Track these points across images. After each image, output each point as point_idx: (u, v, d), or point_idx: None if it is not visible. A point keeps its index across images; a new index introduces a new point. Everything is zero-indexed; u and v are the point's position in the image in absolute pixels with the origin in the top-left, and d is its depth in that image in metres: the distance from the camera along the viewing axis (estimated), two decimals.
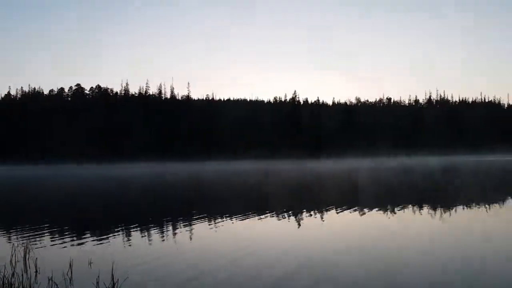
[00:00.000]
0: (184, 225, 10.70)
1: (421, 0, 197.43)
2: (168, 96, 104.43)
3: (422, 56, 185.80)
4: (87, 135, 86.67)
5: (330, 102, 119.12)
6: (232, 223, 11.02)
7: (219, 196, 20.14)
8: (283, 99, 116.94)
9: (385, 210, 12.79)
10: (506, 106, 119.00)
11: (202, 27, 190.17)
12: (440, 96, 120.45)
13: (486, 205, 13.50)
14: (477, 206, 13.48)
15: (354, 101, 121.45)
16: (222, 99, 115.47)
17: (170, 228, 10.63)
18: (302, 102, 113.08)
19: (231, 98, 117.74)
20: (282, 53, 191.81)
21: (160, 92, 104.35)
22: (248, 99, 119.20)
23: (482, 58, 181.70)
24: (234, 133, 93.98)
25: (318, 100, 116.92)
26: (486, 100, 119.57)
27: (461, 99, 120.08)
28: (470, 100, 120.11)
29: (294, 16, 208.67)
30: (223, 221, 11.31)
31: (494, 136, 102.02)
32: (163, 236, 9.45)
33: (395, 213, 12.18)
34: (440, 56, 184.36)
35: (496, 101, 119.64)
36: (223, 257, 6.89)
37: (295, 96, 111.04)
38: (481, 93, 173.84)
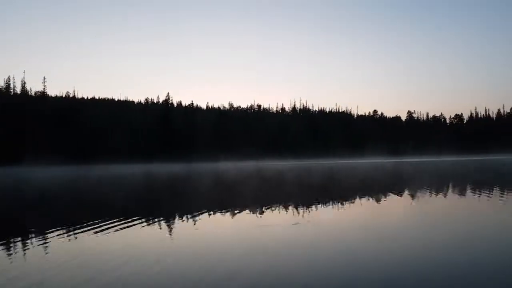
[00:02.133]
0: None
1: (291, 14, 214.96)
2: (18, 91, 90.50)
3: (289, 66, 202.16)
4: None
5: (204, 106, 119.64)
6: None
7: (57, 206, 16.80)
8: (155, 101, 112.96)
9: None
10: (355, 116, 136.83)
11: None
12: (303, 105, 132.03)
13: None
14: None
15: (227, 106, 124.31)
16: (86, 98, 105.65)
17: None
18: (175, 105, 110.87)
19: (96, 97, 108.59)
20: (156, 54, 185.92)
21: (8, 87, 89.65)
22: (116, 99, 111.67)
23: (335, 71, 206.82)
24: (97, 134, 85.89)
25: (192, 103, 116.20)
26: (340, 111, 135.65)
27: (320, 109, 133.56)
28: (328, 109, 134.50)
29: (167, 16, 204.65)
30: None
31: (346, 142, 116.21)
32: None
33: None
34: (303, 67, 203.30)
35: (348, 111, 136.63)
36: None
37: (168, 98, 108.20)
38: (336, 103, 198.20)
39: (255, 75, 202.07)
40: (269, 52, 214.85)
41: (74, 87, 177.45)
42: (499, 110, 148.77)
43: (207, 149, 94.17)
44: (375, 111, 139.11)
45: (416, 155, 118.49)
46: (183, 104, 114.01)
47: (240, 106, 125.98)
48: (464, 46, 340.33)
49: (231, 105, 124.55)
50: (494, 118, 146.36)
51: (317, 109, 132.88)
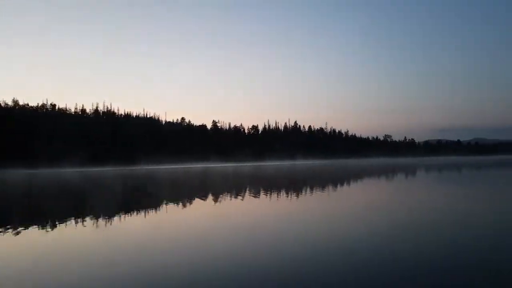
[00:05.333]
0: None
1: None
2: None
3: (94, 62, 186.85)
4: None
5: None
6: None
7: None
8: None
9: None
10: (164, 122, 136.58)
11: None
12: (107, 108, 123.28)
13: None
14: None
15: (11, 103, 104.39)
16: None
17: None
18: None
19: None
20: None
21: None
22: None
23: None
24: None
25: None
26: (148, 116, 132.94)
27: (126, 113, 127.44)
28: (135, 114, 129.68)
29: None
30: None
31: (153, 147, 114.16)
32: None
33: None
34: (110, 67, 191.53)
35: (156, 117, 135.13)
36: None
37: None
38: (144, 109, 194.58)
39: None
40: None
41: None
42: (285, 123, 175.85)
43: None
44: (183, 119, 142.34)
45: (220, 161, 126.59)
46: None
47: (28, 104, 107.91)
48: (257, 62, 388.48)
49: (15, 102, 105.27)
50: (282, 130, 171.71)
51: (122, 113, 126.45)
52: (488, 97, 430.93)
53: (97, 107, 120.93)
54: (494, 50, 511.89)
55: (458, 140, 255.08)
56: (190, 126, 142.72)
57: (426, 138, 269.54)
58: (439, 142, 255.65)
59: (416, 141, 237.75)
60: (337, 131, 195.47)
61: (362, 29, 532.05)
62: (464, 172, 41.78)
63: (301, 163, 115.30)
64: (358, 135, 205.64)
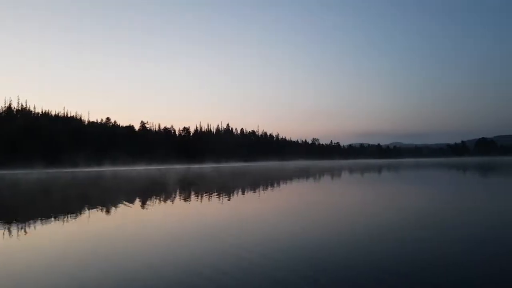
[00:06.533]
0: None
1: None
2: None
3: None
4: None
5: None
6: None
7: None
8: None
9: None
10: (86, 122, 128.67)
11: None
12: (22, 105, 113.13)
13: None
14: None
15: None
16: None
17: None
18: None
19: None
20: None
21: None
22: None
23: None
24: None
25: None
26: (69, 115, 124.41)
27: (44, 111, 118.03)
28: (53, 113, 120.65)
29: None
30: None
31: (75, 149, 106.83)
32: None
33: None
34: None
35: (78, 117, 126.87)
36: None
37: None
38: (64, 107, 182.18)
39: None
40: None
41: None
42: (218, 125, 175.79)
43: None
44: (108, 119, 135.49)
45: (147, 163, 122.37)
46: None
47: None
48: (187, 68, 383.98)
49: None
50: (214, 132, 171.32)
51: (40, 112, 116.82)
52: (404, 104, 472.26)
53: (10, 104, 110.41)
54: (417, 59, 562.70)
55: (379, 144, 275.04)
56: (115, 126, 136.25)
57: (350, 142, 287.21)
58: (361, 145, 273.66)
59: (341, 144, 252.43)
60: (268, 134, 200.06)
61: (288, 29, 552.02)
62: (372, 173, 45.23)
63: (231, 166, 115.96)
64: (288, 138, 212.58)
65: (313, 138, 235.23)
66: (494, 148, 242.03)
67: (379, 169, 63.58)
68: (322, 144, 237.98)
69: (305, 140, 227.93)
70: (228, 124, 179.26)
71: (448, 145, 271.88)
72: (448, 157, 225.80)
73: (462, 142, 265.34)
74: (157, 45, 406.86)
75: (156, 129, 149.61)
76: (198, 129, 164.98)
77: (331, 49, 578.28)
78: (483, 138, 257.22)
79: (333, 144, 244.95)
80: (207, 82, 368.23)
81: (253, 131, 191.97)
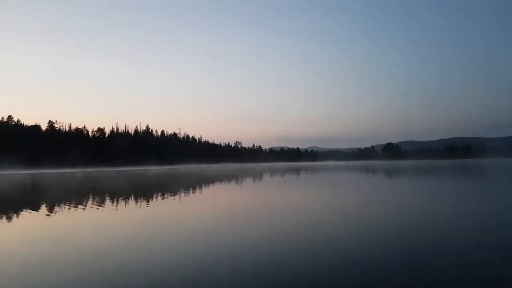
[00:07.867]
0: None
1: None
2: None
3: None
4: None
5: None
6: None
7: None
8: None
9: None
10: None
11: None
12: None
13: None
14: None
15: None
16: None
17: None
18: None
19: None
20: None
21: None
22: None
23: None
24: None
25: None
26: None
27: None
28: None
29: None
30: None
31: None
32: None
33: None
34: None
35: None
36: None
37: None
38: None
39: None
40: None
41: None
42: (136, 126, 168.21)
43: None
44: (9, 117, 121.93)
45: (55, 166, 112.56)
46: None
47: None
48: (128, 66, 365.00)
49: None
50: (132, 134, 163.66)
51: None
52: (322, 110, 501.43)
53: None
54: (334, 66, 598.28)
55: (298, 148, 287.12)
56: (18, 125, 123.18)
57: (272, 146, 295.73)
58: (282, 149, 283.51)
59: (263, 148, 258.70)
60: (190, 136, 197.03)
61: (211, 36, 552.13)
62: (289, 175, 46.72)
63: (151, 169, 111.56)
64: (211, 141, 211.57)
65: (236, 141, 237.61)
66: (398, 152, 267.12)
67: (282, 173, 65.84)
68: (245, 147, 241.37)
69: (228, 143, 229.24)
70: (147, 126, 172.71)
71: (359, 149, 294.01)
72: (358, 160, 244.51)
73: (372, 146, 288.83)
74: (79, 40, 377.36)
75: (67, 129, 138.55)
76: (115, 130, 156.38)
77: (252, 53, 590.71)
78: (389, 143, 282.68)
79: (255, 147, 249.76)
80: (124, 81, 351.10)
81: (175, 133, 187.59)
